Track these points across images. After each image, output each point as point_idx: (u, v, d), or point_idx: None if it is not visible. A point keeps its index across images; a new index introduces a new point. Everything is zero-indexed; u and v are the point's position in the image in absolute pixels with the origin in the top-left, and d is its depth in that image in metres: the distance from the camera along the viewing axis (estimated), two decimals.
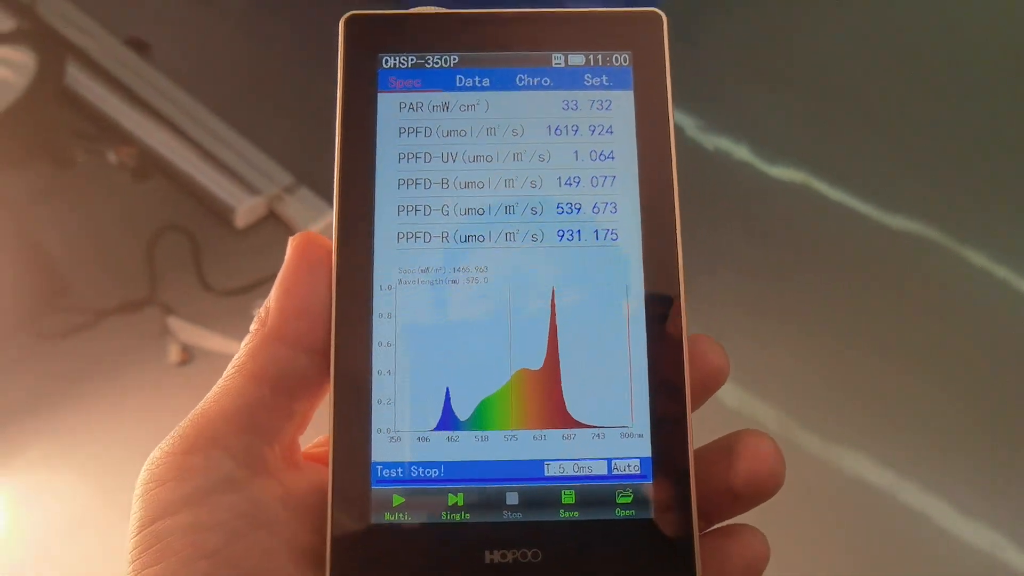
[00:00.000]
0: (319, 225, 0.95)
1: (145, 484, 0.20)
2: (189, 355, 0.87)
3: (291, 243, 0.22)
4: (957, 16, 1.21)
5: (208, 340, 0.88)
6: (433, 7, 0.24)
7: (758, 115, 1.09)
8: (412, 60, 0.24)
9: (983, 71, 1.15)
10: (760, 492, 0.22)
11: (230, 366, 0.22)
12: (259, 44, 1.21)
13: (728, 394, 0.86)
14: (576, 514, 0.21)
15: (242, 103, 1.10)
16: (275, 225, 0.98)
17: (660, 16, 0.24)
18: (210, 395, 0.22)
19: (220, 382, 0.22)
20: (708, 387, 0.23)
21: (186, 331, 0.88)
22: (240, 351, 0.22)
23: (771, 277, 0.96)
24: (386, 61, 0.24)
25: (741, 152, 1.05)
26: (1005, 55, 1.17)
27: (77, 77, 1.05)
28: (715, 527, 0.22)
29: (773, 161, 1.04)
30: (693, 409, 0.22)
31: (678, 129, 1.08)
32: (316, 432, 0.24)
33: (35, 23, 1.07)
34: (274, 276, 0.22)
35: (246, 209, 0.96)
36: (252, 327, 0.22)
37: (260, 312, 0.22)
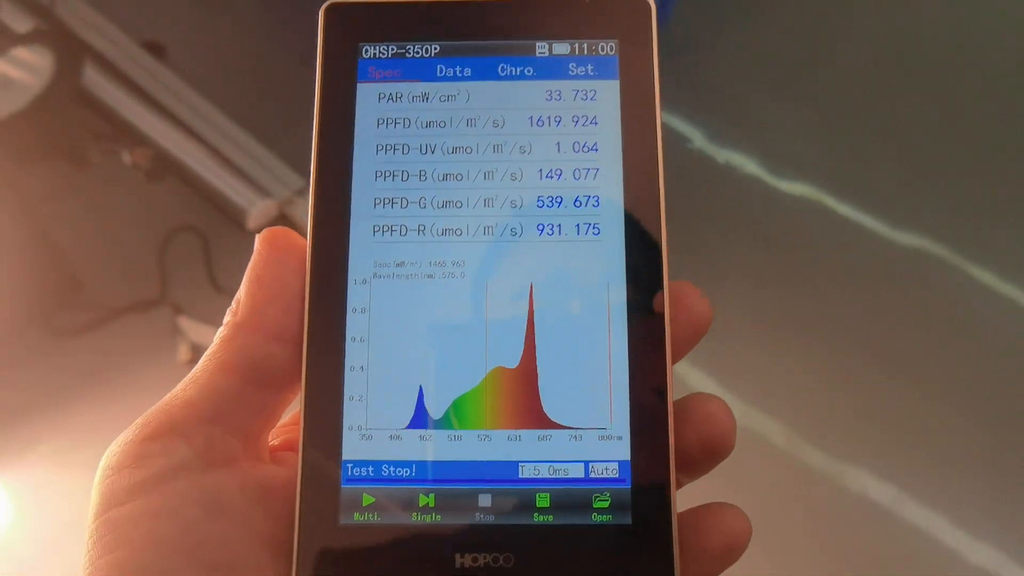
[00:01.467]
0: None
1: (103, 471, 0.20)
2: (198, 355, 0.88)
3: (259, 237, 0.22)
4: (970, 32, 1.21)
5: None
6: None
7: (768, 128, 1.09)
8: (392, 50, 0.23)
9: (994, 88, 1.15)
10: (714, 454, 0.21)
11: (203, 357, 0.21)
12: (273, 48, 1.22)
13: (733, 407, 0.86)
14: (551, 518, 0.21)
15: (256, 106, 1.11)
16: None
17: (648, 3, 0.23)
18: (179, 385, 0.21)
19: (191, 373, 0.21)
20: (693, 334, 0.22)
21: (196, 331, 0.89)
22: (213, 342, 0.21)
23: (778, 291, 0.96)
24: (366, 51, 0.23)
25: (751, 165, 1.05)
26: (1018, 71, 1.16)
27: (94, 78, 1.06)
28: (695, 506, 0.21)
29: (782, 175, 1.04)
30: (676, 360, 0.21)
31: (687, 140, 1.08)
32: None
33: (53, 24, 1.08)
34: None
35: (258, 211, 0.97)
36: (225, 319, 0.22)
37: (232, 305, 0.22)
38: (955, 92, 1.14)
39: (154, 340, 0.89)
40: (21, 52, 1.02)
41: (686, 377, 0.88)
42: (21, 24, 1.06)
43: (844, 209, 1.01)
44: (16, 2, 1.08)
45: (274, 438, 0.23)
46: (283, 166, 1.02)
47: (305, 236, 0.22)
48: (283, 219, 0.99)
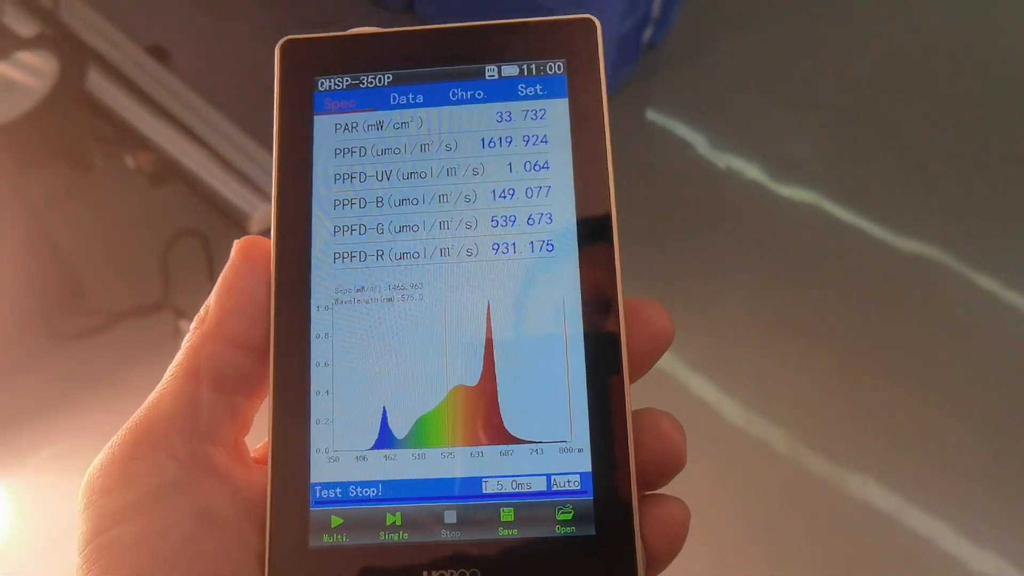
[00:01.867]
0: None
1: (88, 496, 0.20)
2: None
3: (236, 245, 0.22)
4: (973, 39, 1.21)
5: None
6: (369, 27, 0.24)
7: (770, 135, 1.10)
8: (347, 81, 0.23)
9: (998, 95, 1.15)
10: (666, 471, 0.21)
11: (169, 368, 0.21)
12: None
13: (735, 413, 0.86)
14: (515, 531, 0.21)
15: (258, 111, 1.11)
16: None
17: (594, 22, 0.23)
18: (149, 399, 0.21)
19: (159, 385, 0.21)
20: (654, 350, 0.22)
21: None
22: (179, 352, 0.22)
23: (780, 297, 0.96)
24: (321, 84, 0.24)
25: (753, 171, 1.05)
26: (1022, 78, 1.17)
27: (98, 82, 1.06)
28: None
29: (784, 181, 1.04)
30: (640, 374, 0.22)
31: (690, 147, 1.08)
32: (259, 435, 0.24)
33: (58, 28, 1.08)
34: None
35: (260, 215, 0.97)
36: (191, 326, 0.22)
37: (200, 312, 0.22)
38: (958, 99, 1.14)
39: (156, 344, 0.89)
40: (25, 56, 1.03)
41: (688, 384, 0.88)
42: (26, 28, 1.06)
43: (846, 215, 1.01)
44: (21, 6, 1.08)
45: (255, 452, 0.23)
46: None
47: (246, 237, 0.23)
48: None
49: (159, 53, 1.14)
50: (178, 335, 0.89)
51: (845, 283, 0.97)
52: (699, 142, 1.08)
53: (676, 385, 0.87)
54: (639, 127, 1.10)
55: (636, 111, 1.10)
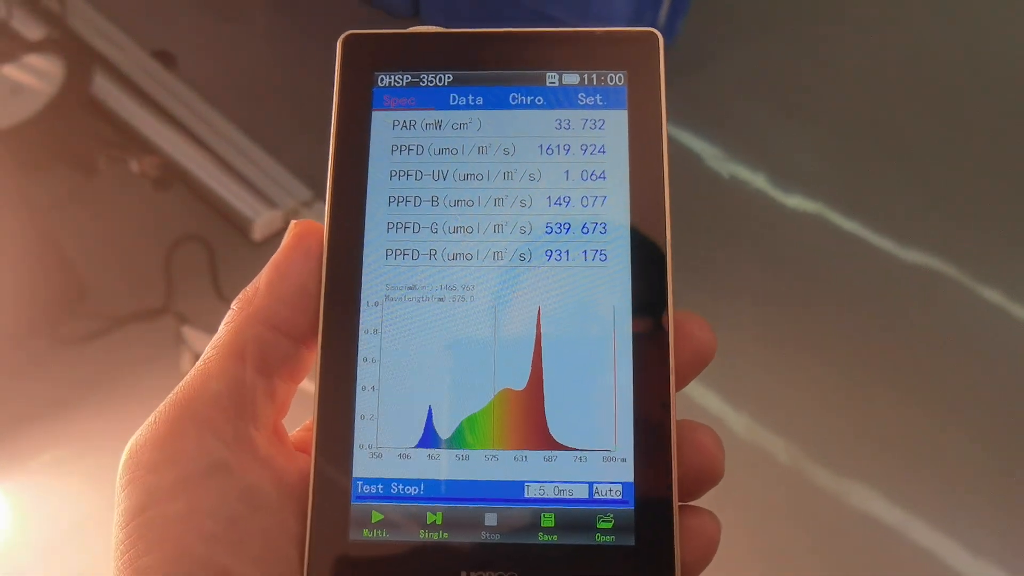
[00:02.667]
0: None
1: (132, 471, 0.20)
2: None
3: (291, 228, 0.22)
4: (977, 50, 1.21)
5: None
6: (431, 26, 0.24)
7: (776, 145, 1.09)
8: (407, 79, 0.24)
9: (1003, 106, 1.15)
10: (704, 482, 0.21)
11: (209, 346, 0.21)
12: (282, 59, 1.22)
13: (738, 424, 0.86)
14: (555, 538, 0.21)
15: (264, 117, 1.11)
16: None
17: (656, 35, 0.23)
18: (191, 375, 0.21)
19: (200, 363, 0.21)
20: (697, 363, 0.22)
21: (200, 341, 0.89)
22: (220, 330, 0.21)
23: (784, 308, 0.96)
24: (381, 80, 0.24)
25: (758, 181, 1.05)
26: None
27: (103, 86, 1.06)
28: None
29: (789, 191, 1.04)
30: (680, 387, 0.22)
31: (695, 156, 1.08)
32: (298, 417, 0.24)
33: (64, 32, 1.09)
34: None
35: (264, 222, 0.97)
36: (234, 306, 0.22)
37: (246, 290, 0.22)
38: (964, 110, 1.14)
39: (158, 349, 0.89)
40: (32, 59, 1.03)
41: (691, 394, 0.87)
42: (33, 31, 1.06)
43: (851, 226, 1.01)
44: (28, 10, 1.09)
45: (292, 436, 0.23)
46: (290, 177, 1.02)
47: (301, 220, 0.23)
48: (316, 222, 0.99)
49: (165, 58, 1.14)
50: (180, 340, 0.89)
51: (849, 294, 0.97)
52: (704, 151, 1.08)
53: (679, 395, 0.87)
54: None
55: None
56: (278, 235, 1.00)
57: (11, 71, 1.02)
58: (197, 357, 0.85)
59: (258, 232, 0.97)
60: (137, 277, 0.96)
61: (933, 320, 0.95)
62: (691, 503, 0.22)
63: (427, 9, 1.14)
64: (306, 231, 0.22)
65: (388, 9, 1.18)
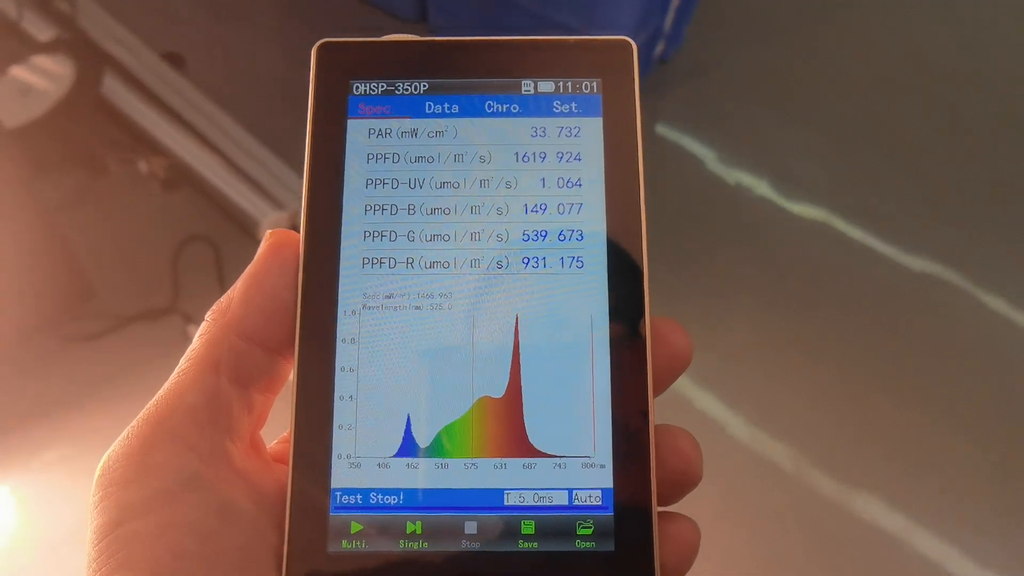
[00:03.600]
0: None
1: (105, 488, 0.19)
2: None
3: (266, 238, 0.22)
4: (984, 58, 1.21)
5: None
6: (406, 35, 0.24)
7: (780, 151, 1.09)
8: (382, 87, 0.23)
9: (1008, 114, 1.15)
10: (682, 486, 0.21)
11: (184, 358, 0.21)
12: (290, 62, 1.23)
13: (741, 430, 0.86)
14: (535, 545, 0.21)
15: (271, 119, 1.12)
16: None
17: (630, 44, 0.23)
18: (165, 388, 0.21)
19: (174, 375, 0.21)
20: (673, 370, 0.22)
21: None
22: (194, 342, 0.21)
23: (787, 314, 0.96)
24: (357, 88, 0.23)
25: (762, 187, 1.05)
26: None
27: (113, 88, 1.07)
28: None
29: (793, 198, 1.04)
30: (658, 393, 0.22)
31: (699, 162, 1.08)
32: (275, 428, 0.24)
33: (75, 34, 1.09)
34: None
35: (270, 223, 0.98)
36: (208, 316, 0.21)
37: (220, 301, 0.21)
38: (969, 118, 1.14)
39: (163, 348, 0.90)
40: (42, 60, 1.04)
41: (693, 399, 0.87)
42: (43, 32, 1.07)
43: (855, 233, 1.01)
44: (38, 11, 1.09)
45: (270, 448, 0.23)
46: (296, 178, 1.03)
47: (276, 230, 0.23)
48: (295, 231, 1.00)
49: (174, 59, 1.15)
50: (186, 340, 0.89)
51: (853, 301, 0.97)
52: (708, 157, 1.08)
53: (681, 401, 0.87)
54: (649, 141, 1.10)
55: (646, 125, 1.10)
56: None
57: (21, 72, 1.03)
58: None
59: (264, 232, 0.98)
60: (144, 276, 0.97)
61: (938, 328, 0.95)
62: (670, 509, 0.22)
63: (434, 14, 1.15)
64: (281, 241, 0.22)
65: (395, 12, 1.18)
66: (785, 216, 1.03)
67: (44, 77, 1.03)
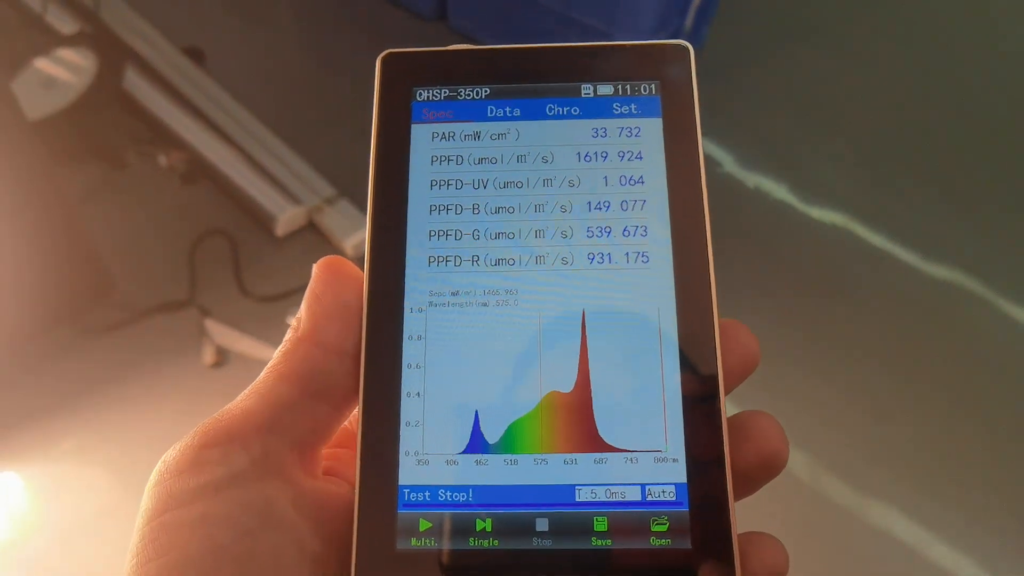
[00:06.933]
0: (356, 237, 0.96)
1: (160, 474, 0.20)
2: (223, 357, 0.89)
3: (316, 264, 0.22)
4: (1010, 66, 1.20)
5: (242, 344, 0.89)
6: (467, 44, 0.24)
7: (800, 155, 1.09)
8: (445, 92, 0.24)
9: None
10: (769, 469, 0.21)
11: (264, 369, 0.22)
12: (309, 59, 1.24)
13: None
14: (609, 542, 0.21)
15: (290, 115, 1.12)
16: (314, 235, 0.99)
17: (687, 48, 0.24)
18: (240, 395, 0.21)
19: (252, 384, 0.22)
20: (743, 370, 0.22)
21: (221, 334, 0.90)
22: (274, 356, 0.22)
23: (805, 319, 0.95)
24: (420, 94, 0.24)
25: (781, 192, 1.05)
26: None
27: (134, 81, 1.08)
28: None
29: (813, 202, 1.03)
30: (726, 392, 0.21)
31: (718, 165, 1.08)
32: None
33: (97, 27, 1.10)
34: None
35: (287, 218, 0.98)
36: (287, 335, 0.22)
37: (294, 321, 0.22)
38: (993, 125, 1.13)
39: (180, 341, 0.90)
40: (65, 53, 1.05)
41: None
42: (66, 26, 1.08)
43: (876, 239, 1.00)
44: (62, 4, 1.10)
45: (325, 459, 0.24)
46: (314, 174, 1.03)
47: (332, 246, 0.23)
48: (312, 226, 1.00)
49: (195, 54, 1.15)
50: (202, 333, 0.90)
51: (872, 307, 0.96)
52: (727, 160, 1.07)
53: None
54: None
55: None
56: (300, 231, 1.01)
57: (45, 64, 1.04)
58: (218, 349, 0.86)
59: (281, 228, 0.98)
60: (162, 269, 0.97)
61: (958, 336, 0.94)
62: (757, 532, 0.21)
63: (454, 13, 1.14)
64: (332, 263, 0.22)
65: (415, 10, 1.18)
66: (804, 221, 1.02)
67: (67, 70, 1.04)
